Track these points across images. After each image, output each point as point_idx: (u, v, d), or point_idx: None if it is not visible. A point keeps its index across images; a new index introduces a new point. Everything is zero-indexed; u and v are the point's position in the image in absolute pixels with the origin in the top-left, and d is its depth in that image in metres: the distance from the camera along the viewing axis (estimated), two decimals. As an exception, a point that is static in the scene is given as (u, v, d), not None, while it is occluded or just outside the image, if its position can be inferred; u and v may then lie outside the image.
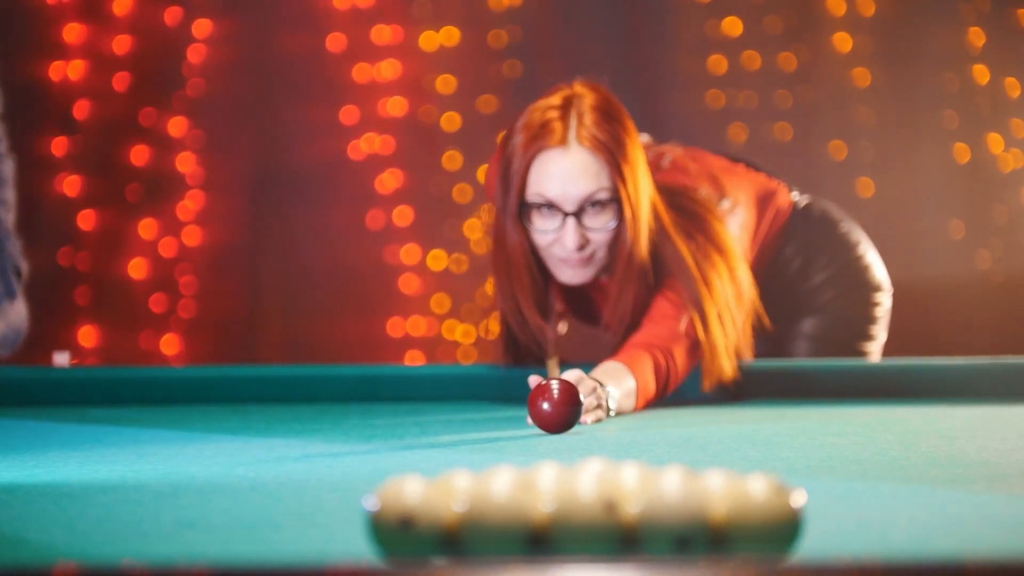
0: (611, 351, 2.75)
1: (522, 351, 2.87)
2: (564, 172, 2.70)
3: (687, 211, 2.81)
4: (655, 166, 2.89)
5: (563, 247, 2.73)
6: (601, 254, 2.76)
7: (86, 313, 4.88)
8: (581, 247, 2.73)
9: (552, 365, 2.74)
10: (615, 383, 2.52)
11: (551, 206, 2.72)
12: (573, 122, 2.71)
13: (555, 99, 2.74)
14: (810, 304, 3.12)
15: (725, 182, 2.95)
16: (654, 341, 2.67)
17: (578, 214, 2.71)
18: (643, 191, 2.74)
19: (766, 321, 2.84)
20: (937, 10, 4.88)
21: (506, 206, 2.75)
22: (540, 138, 2.71)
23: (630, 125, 2.74)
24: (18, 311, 3.61)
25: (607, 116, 2.72)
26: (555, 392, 2.22)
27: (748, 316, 2.80)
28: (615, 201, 2.71)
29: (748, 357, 2.82)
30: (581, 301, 2.93)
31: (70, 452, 2.07)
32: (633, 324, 2.77)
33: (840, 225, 3.16)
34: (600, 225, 2.73)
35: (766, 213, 3.06)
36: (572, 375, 2.40)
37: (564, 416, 2.23)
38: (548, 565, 0.99)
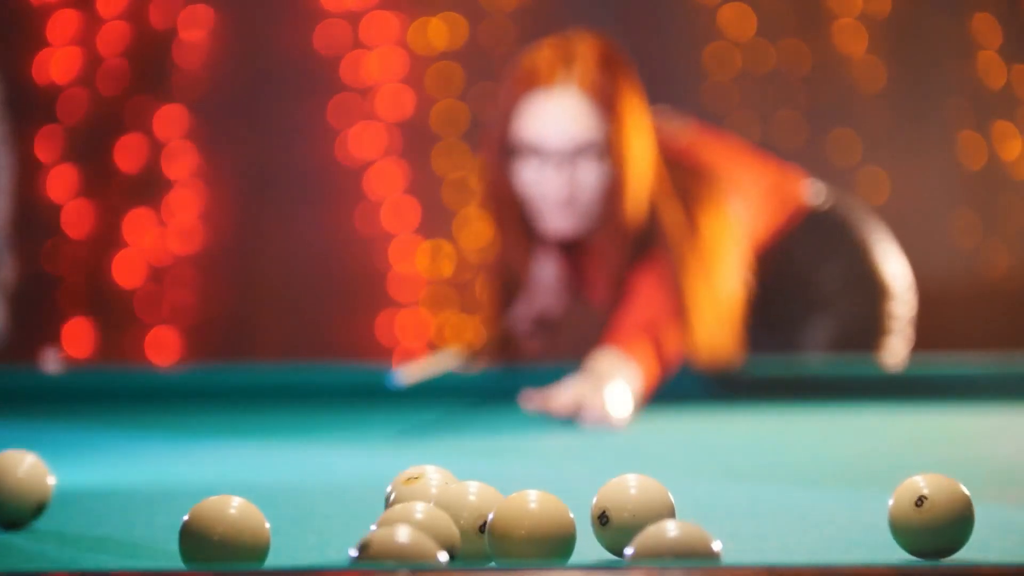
0: (603, 327, 2.68)
1: (508, 340, 2.83)
2: (553, 115, 2.64)
3: (689, 192, 2.74)
4: (670, 140, 2.82)
5: (553, 190, 2.67)
6: (588, 199, 2.67)
7: (84, 313, 4.87)
8: (568, 192, 2.67)
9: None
10: (621, 376, 2.44)
11: (540, 151, 2.66)
12: (568, 65, 2.66)
13: (550, 42, 2.71)
14: (822, 304, 3.06)
15: (740, 170, 2.90)
16: (645, 322, 2.60)
17: (566, 158, 2.65)
18: (639, 143, 2.67)
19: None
20: (944, 8, 4.87)
21: (497, 150, 2.71)
22: (530, 80, 2.67)
23: (631, 74, 2.69)
24: None
25: (605, 62, 2.68)
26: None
27: (732, 313, 2.73)
28: (606, 149, 2.66)
29: (735, 348, 2.77)
30: (571, 269, 2.86)
31: (68, 454, 2.06)
32: (618, 285, 2.70)
33: (859, 226, 3.09)
34: (587, 171, 2.67)
35: (780, 207, 2.99)
36: (571, 392, 2.34)
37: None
38: (549, 570, 0.98)
